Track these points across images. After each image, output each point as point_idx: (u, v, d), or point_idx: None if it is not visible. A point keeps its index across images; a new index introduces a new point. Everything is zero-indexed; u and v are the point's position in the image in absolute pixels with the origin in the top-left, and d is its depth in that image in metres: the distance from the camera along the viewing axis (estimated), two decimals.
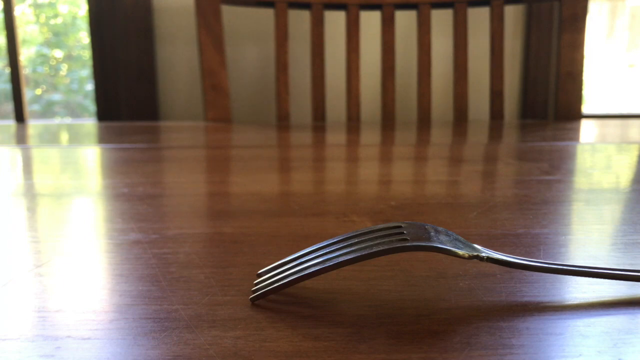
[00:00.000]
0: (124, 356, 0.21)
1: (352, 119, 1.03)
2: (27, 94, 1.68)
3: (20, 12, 2.05)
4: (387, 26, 1.03)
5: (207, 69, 1.00)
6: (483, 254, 0.25)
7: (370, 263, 0.28)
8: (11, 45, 1.44)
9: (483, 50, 1.22)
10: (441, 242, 0.24)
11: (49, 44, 2.15)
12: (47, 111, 2.23)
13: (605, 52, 1.75)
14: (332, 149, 0.75)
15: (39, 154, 0.69)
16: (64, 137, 0.89)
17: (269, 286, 0.25)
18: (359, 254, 0.24)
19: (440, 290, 0.26)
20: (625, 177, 0.55)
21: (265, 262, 0.29)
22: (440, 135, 0.91)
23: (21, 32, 1.63)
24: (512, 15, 1.43)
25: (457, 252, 0.24)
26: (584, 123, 1.00)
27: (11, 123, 1.42)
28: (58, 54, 2.17)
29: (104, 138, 0.85)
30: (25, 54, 2.04)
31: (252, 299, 0.25)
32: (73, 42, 2.15)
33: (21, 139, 0.85)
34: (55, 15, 2.14)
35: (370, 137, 0.88)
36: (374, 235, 0.25)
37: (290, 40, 1.12)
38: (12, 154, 0.69)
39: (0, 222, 0.39)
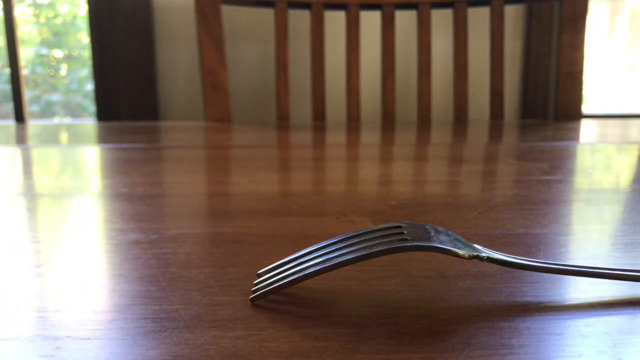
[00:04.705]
0: (124, 356, 0.21)
1: (352, 119, 1.03)
2: (27, 94, 1.68)
3: (20, 12, 2.05)
4: (387, 26, 1.03)
5: (207, 69, 1.00)
6: (483, 254, 0.25)
7: (370, 263, 0.28)
8: (11, 45, 1.44)
9: (483, 50, 1.22)
10: (441, 242, 0.24)
11: (48, 44, 2.15)
12: (47, 111, 2.22)
13: (605, 52, 1.74)
14: (332, 149, 0.75)
15: (38, 154, 0.69)
16: (64, 137, 0.89)
17: (269, 286, 0.25)
18: (359, 254, 0.24)
19: (440, 290, 0.26)
20: (625, 177, 0.55)
21: (265, 262, 0.29)
22: (440, 135, 0.91)
23: (20, 32, 1.62)
24: (512, 15, 1.43)
25: (457, 252, 0.24)
26: (584, 123, 1.00)
27: (11, 123, 1.42)
28: (58, 53, 2.17)
29: (103, 138, 0.85)
30: (24, 54, 2.04)
31: (252, 299, 0.25)
32: (73, 42, 2.15)
33: (21, 139, 0.85)
34: (55, 15, 2.14)
35: (370, 137, 0.88)
36: (374, 235, 0.25)
37: (290, 40, 1.12)
38: (12, 154, 0.69)
39: (0, 222, 0.39)
